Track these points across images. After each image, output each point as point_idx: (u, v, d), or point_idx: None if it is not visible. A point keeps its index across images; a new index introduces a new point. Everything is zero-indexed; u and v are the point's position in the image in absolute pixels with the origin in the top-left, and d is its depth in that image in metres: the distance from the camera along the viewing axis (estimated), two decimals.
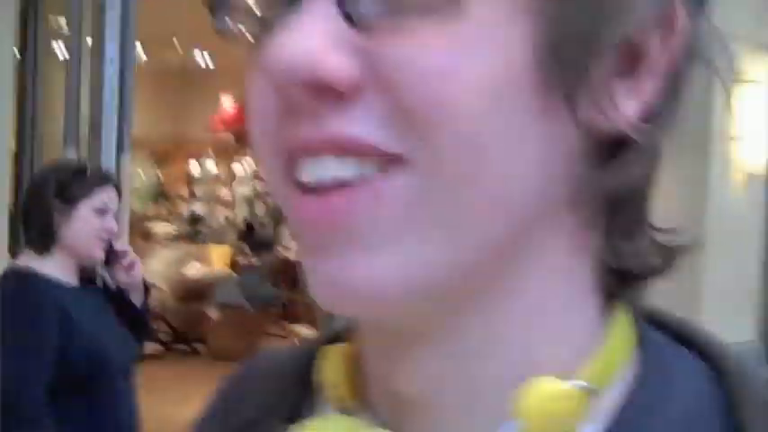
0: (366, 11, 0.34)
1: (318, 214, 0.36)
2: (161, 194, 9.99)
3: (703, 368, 0.40)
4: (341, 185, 0.35)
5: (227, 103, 9.15)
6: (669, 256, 0.41)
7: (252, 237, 7.76)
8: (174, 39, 7.80)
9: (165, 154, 10.07)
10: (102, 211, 2.21)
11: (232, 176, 9.88)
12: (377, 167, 0.35)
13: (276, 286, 6.99)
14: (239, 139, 9.09)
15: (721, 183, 4.70)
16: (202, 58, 8.87)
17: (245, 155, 9.38)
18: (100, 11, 2.87)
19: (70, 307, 2.17)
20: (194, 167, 10.26)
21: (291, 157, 0.37)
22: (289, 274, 6.97)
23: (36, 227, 2.25)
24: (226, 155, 9.76)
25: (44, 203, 2.20)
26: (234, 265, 7.53)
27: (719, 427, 0.38)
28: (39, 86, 3.41)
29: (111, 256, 2.27)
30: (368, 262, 0.36)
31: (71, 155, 2.96)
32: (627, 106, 0.37)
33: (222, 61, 8.31)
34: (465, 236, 0.36)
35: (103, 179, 2.25)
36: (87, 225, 2.20)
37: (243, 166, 9.56)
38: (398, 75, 0.34)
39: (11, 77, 3.19)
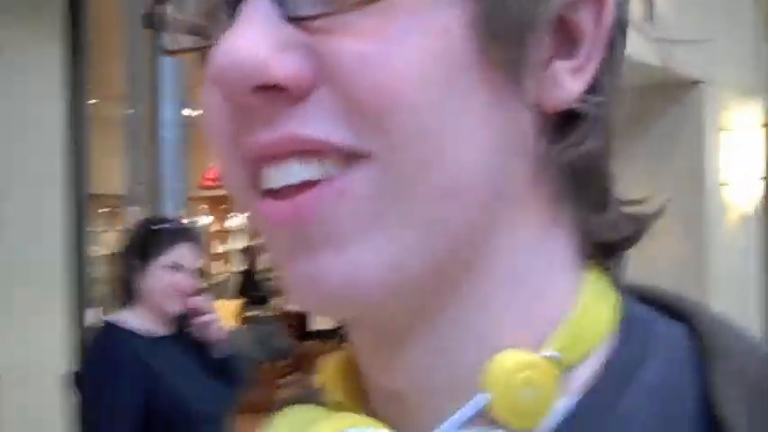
0: (305, 9, 0.35)
1: (285, 216, 0.36)
2: None
3: (686, 335, 0.40)
4: (305, 186, 0.35)
5: None
6: (639, 226, 0.42)
7: (253, 289, 7.79)
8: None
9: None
10: (174, 268, 2.31)
11: (227, 231, 9.93)
12: (339, 165, 0.35)
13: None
14: None
15: (717, 225, 4.91)
16: (194, 116, 8.98)
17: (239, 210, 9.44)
18: (154, 69, 3.00)
19: (151, 357, 2.27)
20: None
21: (254, 166, 0.36)
22: (294, 325, 7.00)
23: (118, 282, 2.38)
24: (220, 210, 9.83)
25: (123, 260, 2.35)
26: (242, 318, 7.53)
27: (695, 390, 0.38)
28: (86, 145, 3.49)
29: (190, 312, 2.34)
30: (339, 259, 0.35)
31: (135, 213, 3.05)
32: (572, 83, 0.38)
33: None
34: (429, 224, 0.36)
35: (177, 237, 2.33)
36: (160, 282, 2.30)
37: (238, 221, 9.64)
38: (342, 69, 0.34)
39: (60, 136, 3.29)
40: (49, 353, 3.24)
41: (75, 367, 2.62)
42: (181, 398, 2.26)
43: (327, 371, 0.44)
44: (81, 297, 3.32)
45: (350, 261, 0.35)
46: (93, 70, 3.31)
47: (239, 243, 9.65)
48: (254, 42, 0.34)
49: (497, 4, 0.36)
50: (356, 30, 0.34)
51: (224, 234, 10.22)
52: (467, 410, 0.38)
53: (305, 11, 0.35)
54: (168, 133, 2.97)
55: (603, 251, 0.42)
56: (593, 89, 0.39)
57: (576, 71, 0.39)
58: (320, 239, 0.36)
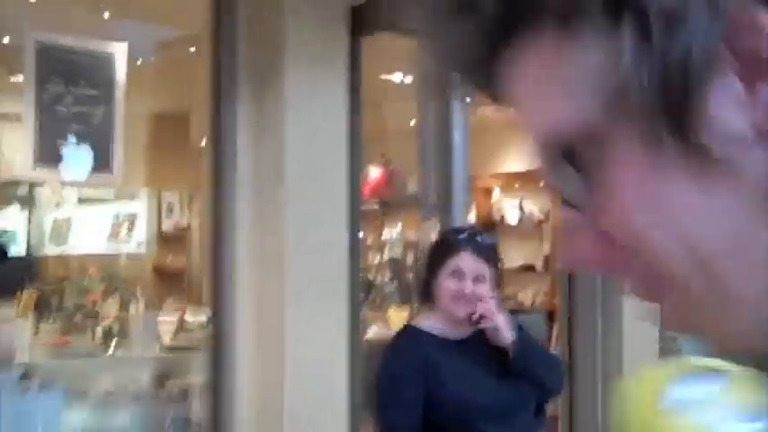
0: (573, 199, 0.47)
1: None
2: None
3: None
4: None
5: (374, 173, 9.42)
6: None
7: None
8: None
9: None
10: (456, 275, 2.45)
11: (382, 243, 10.14)
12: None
13: None
14: (385, 206, 9.31)
15: None
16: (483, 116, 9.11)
17: (391, 222, 9.62)
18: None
19: (439, 357, 2.43)
20: None
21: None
22: None
23: (419, 288, 2.62)
24: (373, 222, 10.05)
25: (421, 268, 2.60)
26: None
27: None
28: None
29: (478, 318, 2.46)
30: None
31: (428, 222, 3.22)
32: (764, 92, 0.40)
33: (367, 132, 8.47)
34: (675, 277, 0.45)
35: (459, 245, 2.48)
36: (444, 289, 2.47)
37: (391, 233, 9.85)
38: (611, 230, 0.45)
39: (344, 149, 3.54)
40: (334, 351, 3.45)
41: (352, 365, 2.74)
42: (461, 395, 2.39)
43: None
44: (355, 300, 3.52)
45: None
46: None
47: (394, 253, 9.86)
48: (576, 246, 0.48)
49: (664, 110, 0.41)
50: (600, 206, 0.45)
51: (378, 246, 10.49)
52: None
53: (577, 202, 0.47)
54: (457, 136, 3.08)
55: None
56: None
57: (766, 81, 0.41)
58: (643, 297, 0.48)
